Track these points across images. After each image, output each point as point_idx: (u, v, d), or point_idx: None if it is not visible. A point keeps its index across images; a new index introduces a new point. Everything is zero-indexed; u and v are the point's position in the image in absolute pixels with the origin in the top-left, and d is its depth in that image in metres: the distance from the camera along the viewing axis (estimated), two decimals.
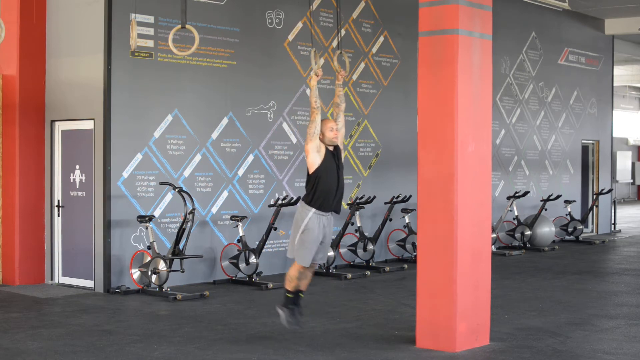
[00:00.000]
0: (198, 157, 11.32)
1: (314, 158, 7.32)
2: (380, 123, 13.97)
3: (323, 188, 7.32)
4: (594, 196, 18.97)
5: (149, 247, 10.53)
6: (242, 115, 11.85)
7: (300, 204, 7.47)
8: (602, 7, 18.02)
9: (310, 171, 7.36)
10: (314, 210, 7.33)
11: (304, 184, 7.61)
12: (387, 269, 12.64)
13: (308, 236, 7.32)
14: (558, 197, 16.30)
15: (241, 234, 11.27)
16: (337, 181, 7.40)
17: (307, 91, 12.59)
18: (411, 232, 13.53)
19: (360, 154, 13.64)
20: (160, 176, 10.89)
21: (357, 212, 12.75)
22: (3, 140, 11.19)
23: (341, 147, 7.59)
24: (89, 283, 10.78)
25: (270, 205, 11.77)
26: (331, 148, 7.45)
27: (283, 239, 12.36)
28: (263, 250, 11.69)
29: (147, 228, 10.46)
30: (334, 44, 13.15)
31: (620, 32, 19.55)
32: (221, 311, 9.27)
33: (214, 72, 11.51)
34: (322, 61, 12.67)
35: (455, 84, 7.29)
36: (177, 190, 10.49)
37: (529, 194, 16.19)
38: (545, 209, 16.04)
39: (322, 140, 7.40)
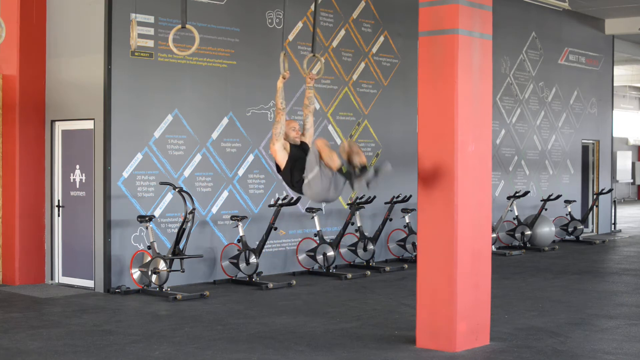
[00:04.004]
0: (198, 157, 11.32)
1: (282, 155, 7.34)
2: (380, 123, 13.97)
3: (299, 173, 7.24)
4: (594, 196, 18.97)
5: (149, 247, 10.53)
6: (242, 115, 11.85)
7: (307, 186, 7.19)
8: (602, 7, 18.02)
9: (282, 167, 7.36)
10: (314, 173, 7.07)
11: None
12: (387, 269, 12.64)
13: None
14: (558, 197, 16.30)
15: (241, 233, 11.27)
16: None
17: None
18: (411, 232, 13.53)
19: None
20: (161, 176, 10.89)
21: (357, 212, 12.75)
22: (3, 140, 11.19)
23: (309, 144, 7.53)
24: (89, 283, 10.78)
25: (270, 205, 11.77)
26: (296, 143, 7.43)
27: (283, 239, 12.37)
28: (263, 250, 11.69)
29: (147, 228, 10.46)
30: (334, 44, 13.16)
31: (620, 32, 19.55)
32: (221, 311, 9.27)
33: (214, 72, 11.51)
34: (323, 61, 12.63)
35: (455, 84, 7.29)
36: (177, 190, 10.49)
37: (529, 194, 16.19)
38: (546, 209, 16.04)
39: (286, 139, 7.43)
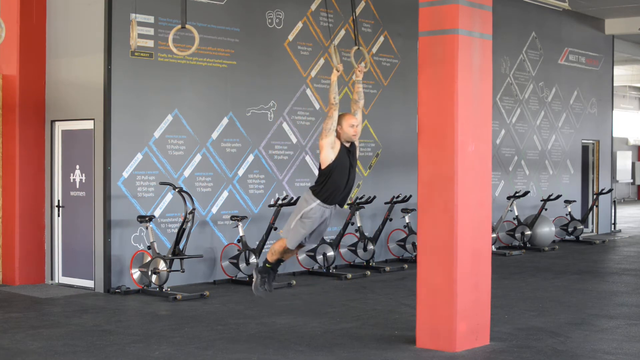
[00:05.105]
0: (198, 157, 11.32)
1: (328, 154, 7.07)
2: (380, 123, 13.97)
3: (332, 183, 7.12)
4: (594, 196, 18.97)
5: (149, 247, 10.53)
6: (242, 115, 11.85)
7: (307, 192, 7.28)
8: (602, 7, 18.02)
9: (323, 166, 7.12)
10: (318, 201, 7.17)
11: (307, 183, 7.55)
12: (387, 269, 12.64)
13: (305, 224, 7.21)
14: (558, 197, 16.30)
15: (241, 234, 11.27)
16: (347, 178, 7.17)
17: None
18: (411, 232, 13.53)
19: (360, 154, 13.63)
20: (161, 176, 10.89)
21: (357, 212, 12.75)
22: (3, 140, 11.19)
23: (357, 144, 7.32)
24: (89, 283, 10.78)
25: (270, 205, 11.76)
26: (347, 144, 7.19)
27: None
28: (263, 250, 11.68)
29: (147, 228, 10.46)
30: (335, 43, 13.12)
31: (620, 32, 19.55)
32: (221, 311, 9.27)
33: (214, 72, 11.51)
34: (322, 61, 12.69)
35: (455, 84, 7.29)
36: (177, 190, 10.49)
37: (529, 194, 16.19)
38: (545, 209, 16.04)
39: (339, 136, 7.15)
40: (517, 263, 13.83)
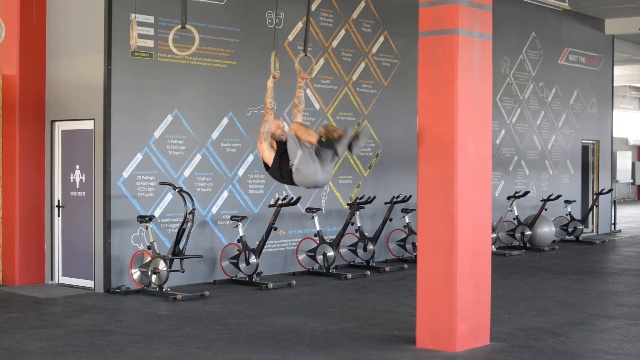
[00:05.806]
0: (198, 157, 11.32)
1: (269, 154, 7.39)
2: (380, 123, 13.97)
3: (287, 163, 7.28)
4: (594, 196, 18.97)
5: (149, 247, 10.53)
6: (242, 115, 11.85)
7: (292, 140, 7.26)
8: (602, 7, 18.02)
9: (270, 164, 7.40)
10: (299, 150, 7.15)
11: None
12: (387, 269, 12.64)
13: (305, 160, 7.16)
14: (558, 197, 16.30)
15: (241, 234, 11.27)
16: None
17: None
18: (411, 232, 13.53)
19: (360, 154, 13.64)
20: (160, 176, 10.89)
21: (357, 212, 12.75)
22: (3, 140, 11.20)
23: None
24: (89, 283, 10.78)
25: (270, 206, 11.77)
26: (282, 140, 7.47)
27: (283, 239, 12.37)
28: (263, 251, 11.69)
29: (147, 228, 10.46)
30: (334, 44, 13.16)
31: (620, 32, 19.55)
32: (221, 311, 9.27)
33: (214, 72, 11.51)
34: (322, 61, 12.69)
35: (455, 84, 7.29)
36: (177, 190, 10.49)
37: (529, 194, 16.19)
38: (545, 209, 16.04)
39: (271, 137, 7.46)
40: (517, 263, 13.84)
